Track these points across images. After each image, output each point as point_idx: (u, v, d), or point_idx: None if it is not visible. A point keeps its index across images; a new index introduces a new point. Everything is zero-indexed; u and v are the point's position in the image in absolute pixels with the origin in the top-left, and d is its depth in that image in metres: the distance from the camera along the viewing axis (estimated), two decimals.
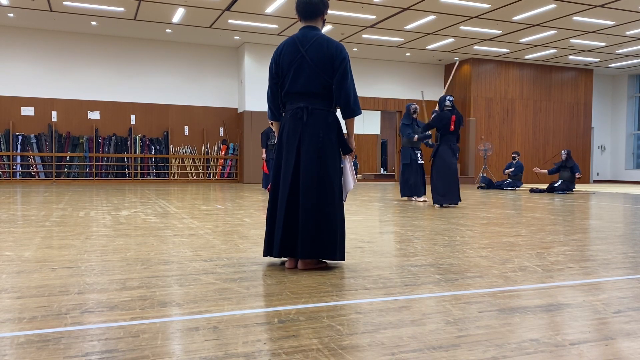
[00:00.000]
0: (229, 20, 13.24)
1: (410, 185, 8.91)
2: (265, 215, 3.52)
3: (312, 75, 3.24)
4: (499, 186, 14.18)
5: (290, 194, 3.22)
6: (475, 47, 15.79)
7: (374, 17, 12.75)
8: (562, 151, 13.21)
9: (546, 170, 13.38)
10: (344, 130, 3.46)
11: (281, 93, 3.38)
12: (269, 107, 3.50)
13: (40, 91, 14.51)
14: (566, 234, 5.11)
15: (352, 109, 3.29)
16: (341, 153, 3.40)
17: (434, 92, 18.48)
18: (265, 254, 3.35)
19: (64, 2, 11.89)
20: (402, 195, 9.09)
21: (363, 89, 17.29)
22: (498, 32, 14.06)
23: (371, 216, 6.70)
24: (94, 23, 13.62)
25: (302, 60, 3.26)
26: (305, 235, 3.16)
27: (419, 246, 4.22)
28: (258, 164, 15.45)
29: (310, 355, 1.82)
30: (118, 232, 4.86)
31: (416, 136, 8.98)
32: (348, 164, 3.42)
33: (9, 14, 12.90)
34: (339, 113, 3.41)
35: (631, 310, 2.43)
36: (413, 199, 8.97)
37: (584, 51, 16.17)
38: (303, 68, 3.25)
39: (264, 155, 11.64)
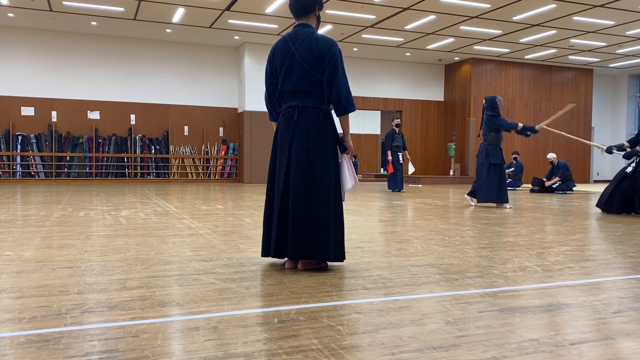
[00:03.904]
0: (229, 20, 13.23)
1: (497, 189, 7.82)
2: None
3: (302, 73, 3.21)
4: None
5: (283, 195, 3.20)
6: (475, 47, 15.78)
7: (374, 17, 12.75)
8: (552, 157, 13.05)
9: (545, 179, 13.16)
10: (340, 129, 3.43)
11: (276, 93, 3.37)
12: (267, 108, 3.49)
13: (40, 91, 14.51)
14: (566, 234, 5.11)
15: (344, 106, 3.22)
16: (338, 151, 3.36)
17: (433, 92, 18.49)
18: (263, 254, 3.34)
19: (64, 2, 11.89)
20: (482, 201, 7.97)
21: (363, 89, 17.29)
22: (498, 32, 14.06)
23: (371, 216, 6.70)
24: (94, 23, 13.62)
25: (292, 59, 3.23)
26: (295, 236, 3.13)
27: (419, 246, 4.22)
28: (258, 163, 15.45)
29: (310, 355, 1.82)
30: (118, 232, 4.86)
31: (521, 124, 7.85)
32: (346, 163, 3.37)
33: (9, 14, 12.90)
34: (334, 112, 3.37)
35: (631, 310, 2.43)
36: (506, 205, 7.86)
37: (584, 51, 16.17)
38: (294, 66, 3.23)
39: (390, 157, 11.73)
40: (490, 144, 7.98)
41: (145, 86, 15.45)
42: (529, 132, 7.95)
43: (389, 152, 11.80)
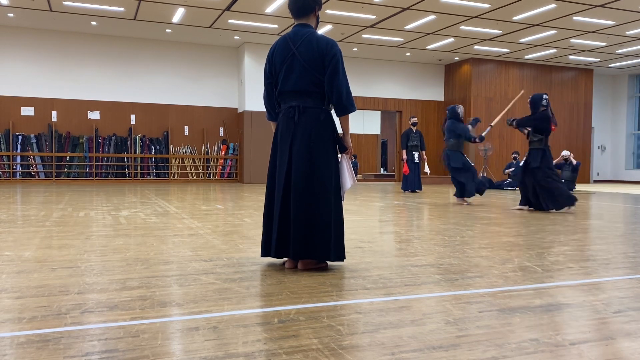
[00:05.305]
0: (229, 20, 13.23)
1: (469, 187, 8.40)
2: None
3: (303, 73, 3.21)
4: (499, 186, 14.18)
5: (284, 195, 3.20)
6: (475, 47, 15.78)
7: (374, 17, 12.75)
8: (569, 154, 13.05)
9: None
10: (340, 129, 3.43)
11: (275, 92, 3.36)
12: (266, 108, 3.48)
13: (40, 91, 14.51)
14: (566, 234, 5.11)
15: (345, 106, 3.22)
16: (338, 151, 3.37)
17: (433, 92, 18.49)
18: (263, 254, 3.34)
19: (64, 2, 11.89)
20: (463, 196, 8.49)
21: (363, 89, 17.29)
22: (498, 32, 14.06)
23: (371, 216, 6.70)
24: (94, 23, 13.62)
25: (293, 59, 3.23)
26: (297, 236, 3.13)
27: (419, 246, 4.22)
28: (258, 163, 15.45)
29: (310, 355, 1.82)
30: (118, 232, 4.86)
31: (470, 126, 8.60)
32: (345, 163, 3.37)
33: (9, 14, 12.90)
34: (334, 112, 3.37)
35: (631, 310, 2.43)
36: (466, 200, 8.53)
37: (584, 51, 16.17)
38: (294, 66, 3.22)
39: (405, 157, 11.68)
40: (450, 150, 8.54)
41: (145, 86, 15.45)
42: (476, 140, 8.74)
43: (404, 152, 11.76)
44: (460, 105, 8.84)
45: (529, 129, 7.76)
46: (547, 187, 7.26)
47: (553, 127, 7.42)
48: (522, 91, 9.47)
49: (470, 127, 8.63)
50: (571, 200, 7.21)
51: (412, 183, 11.70)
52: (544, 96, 7.55)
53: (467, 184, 8.42)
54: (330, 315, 2.29)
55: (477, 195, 8.78)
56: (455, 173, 8.49)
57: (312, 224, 3.14)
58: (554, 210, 7.30)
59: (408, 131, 11.87)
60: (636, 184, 18.45)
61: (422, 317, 2.28)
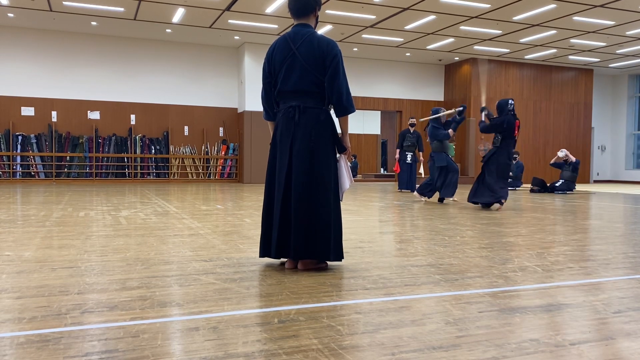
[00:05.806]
0: (229, 20, 13.23)
1: (452, 186, 8.82)
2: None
3: (303, 73, 3.21)
4: None
5: (284, 195, 3.20)
6: (475, 47, 15.78)
7: (374, 17, 12.75)
8: (566, 153, 13.04)
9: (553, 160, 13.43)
10: (339, 129, 3.43)
11: (274, 92, 3.36)
12: (264, 107, 3.46)
13: (40, 91, 14.51)
14: (566, 234, 5.11)
15: (345, 107, 3.24)
16: (337, 152, 3.37)
17: (433, 92, 18.49)
18: (262, 254, 3.34)
19: (64, 2, 11.89)
20: (445, 197, 8.86)
21: (363, 89, 17.29)
22: (498, 32, 14.05)
23: (371, 216, 6.70)
24: (94, 23, 13.62)
25: (293, 58, 3.23)
26: (298, 236, 3.13)
27: (419, 246, 4.22)
28: (258, 163, 15.46)
29: (310, 355, 1.82)
30: (118, 232, 4.86)
31: (451, 130, 8.86)
32: (343, 163, 3.37)
33: (9, 14, 12.90)
34: (333, 112, 3.38)
35: (631, 310, 2.43)
36: (452, 199, 8.98)
37: (584, 51, 16.17)
38: (294, 66, 3.22)
39: (397, 156, 11.81)
40: (435, 152, 8.96)
41: (145, 86, 15.45)
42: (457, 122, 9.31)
43: (397, 151, 11.86)
44: (443, 108, 9.19)
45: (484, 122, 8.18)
46: (483, 180, 7.74)
47: (516, 132, 7.63)
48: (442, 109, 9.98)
49: (451, 130, 8.91)
50: (485, 202, 7.69)
51: (402, 182, 11.73)
52: (510, 101, 7.90)
53: (449, 183, 8.77)
54: (330, 315, 2.29)
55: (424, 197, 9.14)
56: (441, 172, 8.84)
57: (313, 224, 3.14)
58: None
59: (405, 131, 11.89)
60: (636, 184, 18.45)
61: (422, 317, 2.28)
